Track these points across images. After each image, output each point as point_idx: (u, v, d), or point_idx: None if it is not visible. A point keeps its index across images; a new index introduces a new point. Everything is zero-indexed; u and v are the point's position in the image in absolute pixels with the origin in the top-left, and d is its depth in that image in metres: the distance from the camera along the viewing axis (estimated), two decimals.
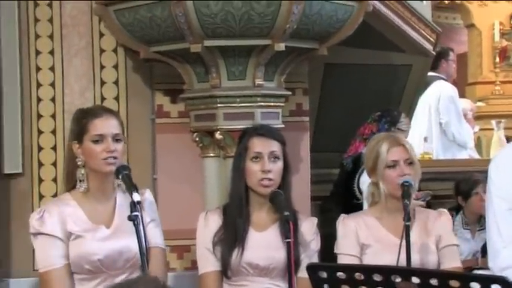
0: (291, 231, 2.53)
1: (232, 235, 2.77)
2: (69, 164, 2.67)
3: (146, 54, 3.64)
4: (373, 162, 2.87)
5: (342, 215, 3.00)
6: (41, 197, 3.87)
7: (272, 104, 3.65)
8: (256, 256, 2.76)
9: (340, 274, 2.05)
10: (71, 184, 2.67)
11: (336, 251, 2.91)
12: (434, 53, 4.77)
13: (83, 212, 2.64)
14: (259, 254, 2.76)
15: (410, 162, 2.84)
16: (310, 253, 2.85)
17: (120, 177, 2.54)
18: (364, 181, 3.90)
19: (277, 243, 2.70)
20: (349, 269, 2.07)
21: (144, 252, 2.36)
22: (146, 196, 2.75)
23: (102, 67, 3.95)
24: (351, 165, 4.11)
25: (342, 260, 2.88)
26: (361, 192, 3.94)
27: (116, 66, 3.95)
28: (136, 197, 2.40)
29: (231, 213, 2.81)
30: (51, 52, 3.90)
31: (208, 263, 2.81)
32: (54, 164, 3.89)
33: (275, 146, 2.84)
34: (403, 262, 2.59)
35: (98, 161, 2.60)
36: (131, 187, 2.46)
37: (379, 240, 2.85)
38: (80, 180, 2.63)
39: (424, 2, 4.55)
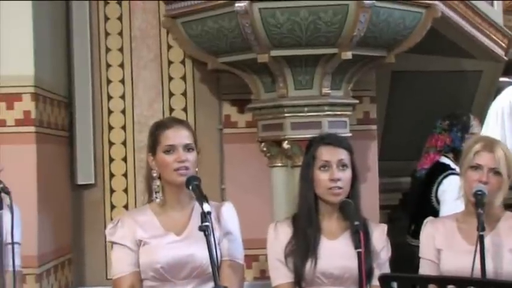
0: (361, 241, 2.51)
1: (304, 245, 2.75)
2: (148, 176, 2.72)
3: (214, 65, 3.67)
4: (462, 158, 2.83)
5: (428, 218, 2.97)
6: (112, 207, 3.95)
7: (339, 112, 3.63)
8: (330, 265, 2.73)
9: (412, 285, 2.01)
10: (150, 196, 2.72)
11: (420, 254, 2.90)
12: (506, 58, 4.64)
13: (157, 220, 2.67)
14: (333, 263, 2.73)
15: (496, 172, 2.76)
16: (382, 261, 2.81)
17: (190, 187, 2.55)
18: (444, 190, 3.81)
19: (350, 252, 2.67)
20: (422, 279, 2.03)
21: (215, 262, 2.37)
22: (224, 209, 2.75)
23: (170, 79, 4.01)
24: (424, 177, 4.01)
25: (422, 264, 2.87)
26: (438, 202, 3.85)
27: (183, 78, 4.01)
28: (206, 207, 2.41)
29: (301, 223, 2.80)
30: (121, 65, 3.99)
31: (281, 274, 2.79)
32: (125, 175, 3.97)
33: (343, 155, 2.82)
34: (477, 272, 2.52)
35: (170, 171, 2.63)
36: (201, 198, 2.47)
37: (451, 245, 2.79)
38: (156, 192, 2.67)
39: (495, 6, 4.43)
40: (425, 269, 2.83)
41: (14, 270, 2.31)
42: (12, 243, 2.31)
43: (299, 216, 2.82)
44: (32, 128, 3.36)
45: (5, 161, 2.55)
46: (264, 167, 3.77)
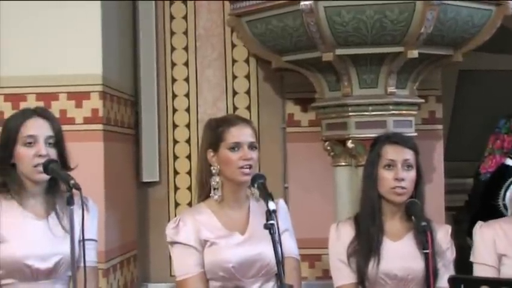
0: (429, 242, 2.47)
1: (367, 245, 2.72)
2: (203, 173, 2.71)
3: (278, 63, 3.68)
4: None
5: (479, 222, 2.88)
6: (176, 204, 4.00)
7: (405, 112, 3.59)
8: (393, 266, 2.70)
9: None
10: (204, 194, 2.71)
11: (471, 259, 2.81)
12: None
13: (217, 219, 2.67)
14: (397, 264, 2.70)
15: None
16: (446, 262, 2.76)
17: (256, 186, 2.55)
18: None
19: (414, 253, 2.63)
20: (494, 282, 1.98)
21: (280, 260, 2.36)
22: (280, 205, 2.76)
23: (234, 77, 4.03)
24: (490, 180, 3.90)
25: (478, 269, 2.77)
26: (506, 208, 3.74)
27: (247, 76, 4.03)
28: (272, 205, 2.40)
29: (363, 223, 2.76)
30: (186, 63, 4.03)
31: (343, 275, 2.77)
32: (189, 173, 4.01)
33: (408, 154, 2.77)
34: None
35: (234, 169, 2.62)
36: (267, 196, 2.46)
37: None
38: (215, 189, 2.67)
39: None
40: (484, 274, 2.73)
41: (84, 267, 2.36)
42: (83, 239, 2.36)
43: (362, 215, 2.79)
44: (100, 126, 3.42)
45: (74, 158, 2.60)
46: (328, 166, 3.76)
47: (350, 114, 3.53)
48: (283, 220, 2.72)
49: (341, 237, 2.79)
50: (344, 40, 3.36)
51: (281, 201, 2.81)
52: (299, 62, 3.62)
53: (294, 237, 2.78)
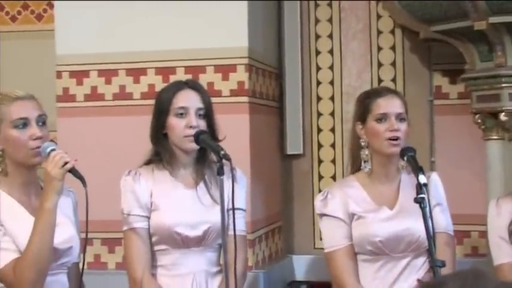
0: None
1: None
2: (354, 145, 2.69)
3: (426, 34, 3.57)
4: None
5: None
6: (320, 177, 3.99)
7: None
8: None
9: None
10: (355, 166, 2.69)
11: None
12: None
13: (366, 193, 2.64)
14: None
15: None
16: None
17: (405, 158, 2.51)
18: None
19: None
20: None
21: (431, 235, 2.30)
22: (433, 179, 2.68)
23: (379, 49, 3.95)
24: None
25: None
26: None
27: (393, 48, 3.94)
28: (422, 179, 2.35)
29: None
30: (330, 36, 3.99)
31: (504, 253, 2.64)
32: (333, 146, 3.99)
33: None
34: None
35: (381, 141, 2.58)
36: (417, 169, 2.41)
37: None
38: (365, 161, 2.64)
39: None
40: None
41: (234, 235, 2.40)
42: (233, 208, 2.40)
43: None
44: (246, 98, 3.46)
45: (221, 130, 2.64)
46: (477, 140, 3.61)
47: (504, 85, 3.37)
48: (436, 194, 2.65)
49: (502, 213, 2.65)
50: (498, 7, 3.21)
51: (434, 175, 2.73)
52: (448, 31, 3.49)
53: (447, 212, 2.69)
